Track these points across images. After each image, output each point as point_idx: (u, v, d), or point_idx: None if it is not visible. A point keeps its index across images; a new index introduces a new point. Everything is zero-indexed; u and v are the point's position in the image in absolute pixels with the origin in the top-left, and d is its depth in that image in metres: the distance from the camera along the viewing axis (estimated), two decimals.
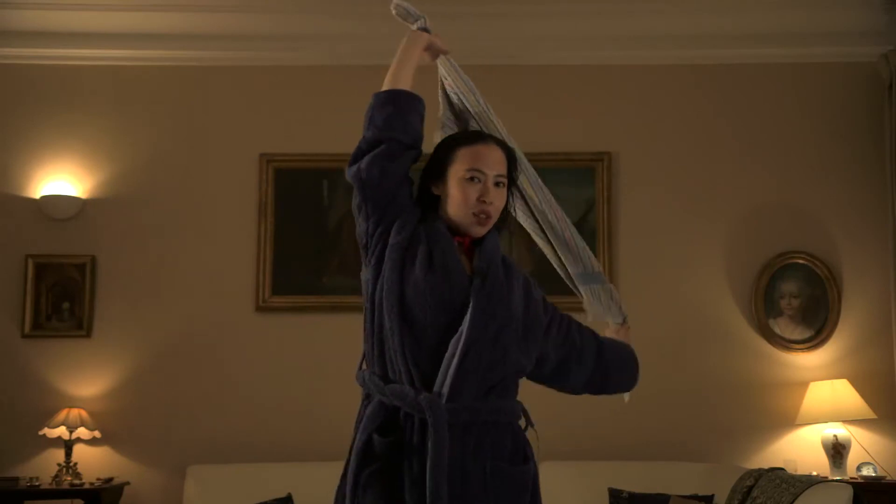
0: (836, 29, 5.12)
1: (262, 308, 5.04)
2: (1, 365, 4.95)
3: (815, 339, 5.00)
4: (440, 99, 2.36)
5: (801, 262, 5.05)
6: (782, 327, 5.02)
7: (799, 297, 5.04)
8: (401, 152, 2.09)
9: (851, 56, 5.15)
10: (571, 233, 2.37)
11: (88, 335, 5.01)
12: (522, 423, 2.12)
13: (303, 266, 5.08)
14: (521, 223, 2.40)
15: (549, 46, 5.17)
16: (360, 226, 2.11)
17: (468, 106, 2.30)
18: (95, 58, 5.20)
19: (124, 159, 5.16)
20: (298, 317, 5.02)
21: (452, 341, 1.95)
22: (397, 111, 2.12)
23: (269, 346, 5.01)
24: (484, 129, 2.26)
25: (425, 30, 2.31)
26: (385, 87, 2.17)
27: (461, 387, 1.93)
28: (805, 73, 5.20)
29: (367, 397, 2.05)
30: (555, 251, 2.42)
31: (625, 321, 2.49)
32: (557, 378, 2.24)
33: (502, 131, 2.27)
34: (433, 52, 2.32)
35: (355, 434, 2.02)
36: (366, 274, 2.08)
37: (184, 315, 5.03)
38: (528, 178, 2.31)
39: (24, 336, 4.99)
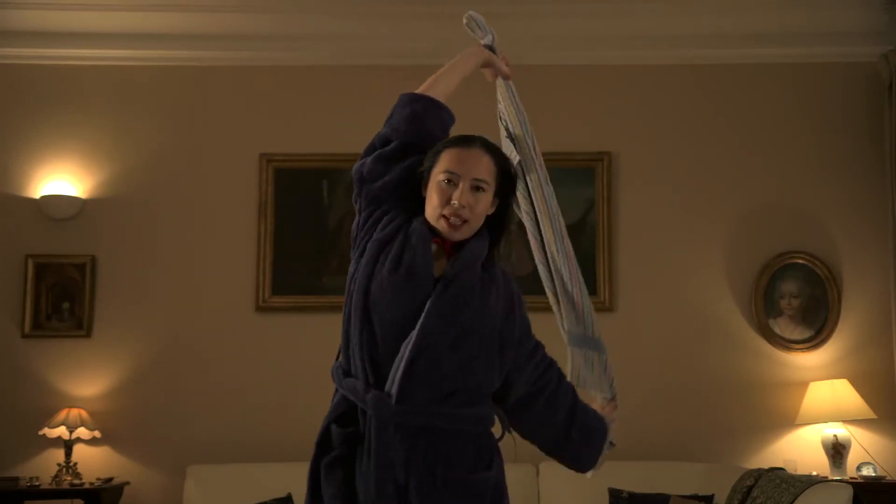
0: (836, 29, 5.12)
1: (262, 308, 5.04)
2: (1, 365, 4.95)
3: (815, 339, 5.00)
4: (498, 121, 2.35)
5: (801, 262, 5.05)
6: (782, 327, 5.02)
7: (799, 297, 5.03)
8: (407, 154, 2.09)
9: (851, 56, 5.15)
10: (581, 291, 2.26)
11: (88, 335, 5.00)
12: (498, 430, 2.07)
13: (303, 266, 5.07)
14: (538, 268, 2.32)
15: (549, 46, 5.17)
16: (355, 219, 2.12)
17: (511, 129, 2.29)
18: (95, 58, 5.20)
19: (124, 159, 5.16)
20: (298, 317, 5.01)
21: (404, 343, 1.92)
22: (415, 114, 2.12)
23: (268, 346, 5.01)
24: (520, 157, 2.25)
25: (491, 48, 2.28)
26: (419, 90, 2.18)
27: (411, 390, 1.90)
28: (805, 73, 5.20)
29: (337, 389, 2.06)
30: (559, 305, 2.31)
31: (613, 398, 2.32)
32: (518, 412, 2.11)
33: (538, 161, 2.24)
34: (494, 71, 2.33)
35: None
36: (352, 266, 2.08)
37: (184, 315, 5.03)
38: (553, 227, 2.24)
39: (24, 336, 4.99)
